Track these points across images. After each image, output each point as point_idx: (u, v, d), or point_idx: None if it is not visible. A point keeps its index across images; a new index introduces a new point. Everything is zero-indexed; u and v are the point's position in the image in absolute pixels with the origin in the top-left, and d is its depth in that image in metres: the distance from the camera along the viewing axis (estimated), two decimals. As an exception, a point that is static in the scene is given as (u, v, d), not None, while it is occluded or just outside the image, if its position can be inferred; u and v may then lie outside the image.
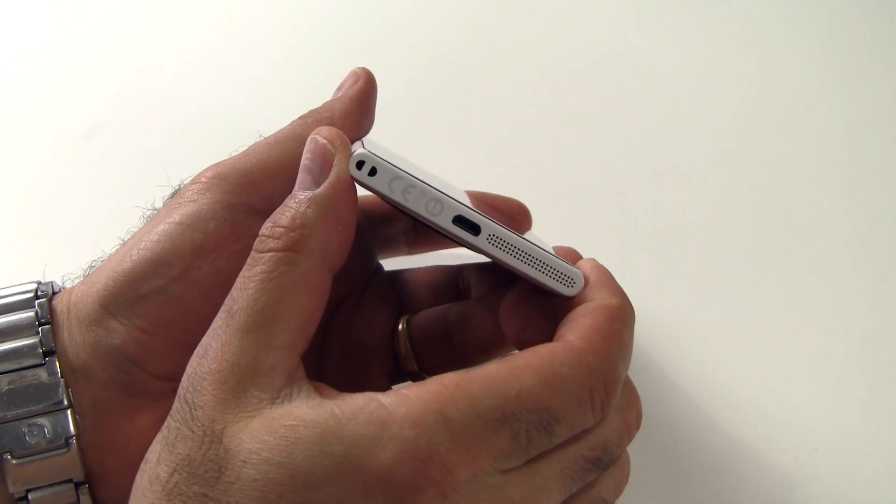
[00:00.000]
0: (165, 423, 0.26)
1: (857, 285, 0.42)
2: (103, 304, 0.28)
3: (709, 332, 0.41)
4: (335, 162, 0.27)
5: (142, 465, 0.26)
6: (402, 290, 0.37)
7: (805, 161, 0.46)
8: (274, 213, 0.27)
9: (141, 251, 0.29)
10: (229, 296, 0.26)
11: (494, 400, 0.24)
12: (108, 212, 0.44)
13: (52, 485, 0.28)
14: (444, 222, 0.27)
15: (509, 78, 0.50)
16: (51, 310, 0.29)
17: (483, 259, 0.29)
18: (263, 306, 0.25)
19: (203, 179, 0.30)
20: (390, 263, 0.38)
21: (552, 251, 0.28)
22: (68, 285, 0.31)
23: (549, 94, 0.49)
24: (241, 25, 0.53)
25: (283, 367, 0.25)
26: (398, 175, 0.26)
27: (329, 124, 0.30)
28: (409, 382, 0.36)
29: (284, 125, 0.32)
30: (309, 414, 0.24)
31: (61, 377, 0.28)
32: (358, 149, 0.27)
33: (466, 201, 0.28)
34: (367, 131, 0.32)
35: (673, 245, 0.43)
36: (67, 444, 0.28)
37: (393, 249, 0.38)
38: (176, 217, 0.29)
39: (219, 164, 0.30)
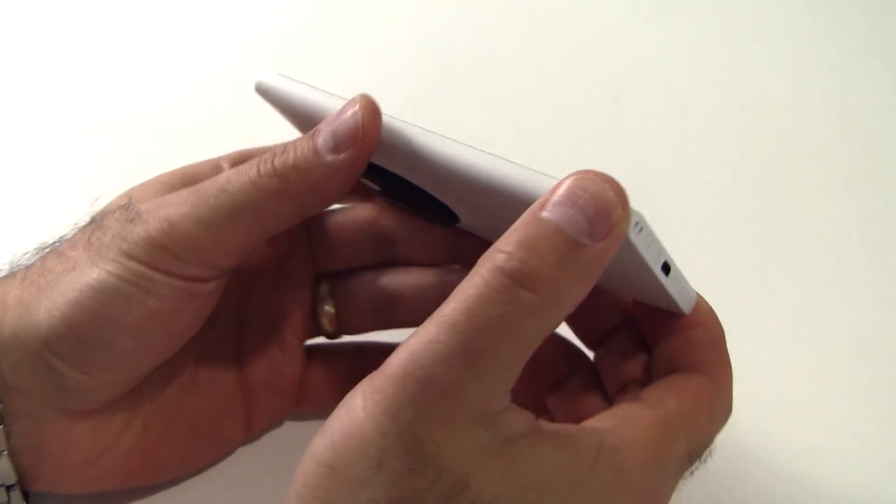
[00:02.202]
0: (363, 435, 0.22)
1: (857, 284, 0.42)
2: (45, 343, 0.27)
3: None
4: (617, 221, 0.24)
5: (322, 470, 0.23)
6: (318, 237, 0.34)
7: (806, 161, 0.45)
8: (528, 238, 0.23)
9: (88, 300, 0.27)
10: (465, 320, 0.22)
11: (689, 441, 0.26)
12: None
13: None
14: (655, 267, 0.27)
15: (508, 78, 0.50)
16: None
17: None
18: (508, 356, 0.23)
19: (154, 235, 0.27)
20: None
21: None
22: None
23: (549, 93, 0.49)
24: (242, 27, 0.53)
25: (508, 407, 0.24)
26: (655, 237, 0.26)
27: (307, 189, 0.28)
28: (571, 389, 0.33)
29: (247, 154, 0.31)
30: (553, 459, 0.23)
31: None
32: (632, 217, 0.25)
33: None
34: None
35: (672, 245, 0.43)
36: None
37: None
38: (125, 272, 0.27)
39: (169, 214, 0.27)
